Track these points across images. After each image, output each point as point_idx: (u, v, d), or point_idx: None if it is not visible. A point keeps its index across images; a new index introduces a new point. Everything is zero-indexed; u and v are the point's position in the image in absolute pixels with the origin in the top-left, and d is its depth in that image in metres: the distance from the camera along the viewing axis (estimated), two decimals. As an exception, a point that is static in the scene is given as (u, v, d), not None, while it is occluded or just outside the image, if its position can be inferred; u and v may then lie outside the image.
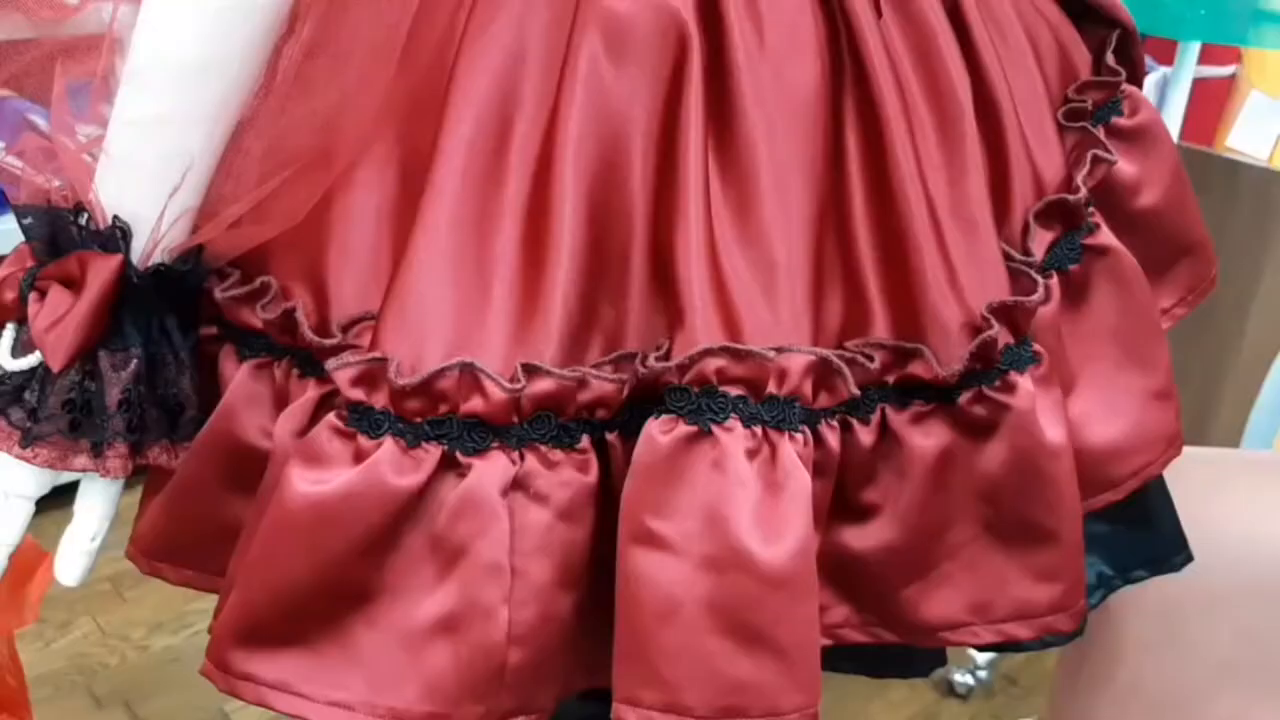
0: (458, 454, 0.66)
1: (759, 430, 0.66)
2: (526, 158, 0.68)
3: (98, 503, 0.74)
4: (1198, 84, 1.85)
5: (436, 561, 0.66)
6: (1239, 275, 1.84)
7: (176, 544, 0.78)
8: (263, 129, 0.70)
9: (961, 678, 1.84)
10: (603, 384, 0.67)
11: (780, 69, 0.71)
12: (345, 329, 0.69)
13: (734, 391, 0.66)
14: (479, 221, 0.68)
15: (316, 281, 0.71)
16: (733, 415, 0.66)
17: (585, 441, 0.68)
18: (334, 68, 0.68)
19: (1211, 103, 1.97)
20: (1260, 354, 1.89)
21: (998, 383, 0.72)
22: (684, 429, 0.66)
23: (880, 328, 0.72)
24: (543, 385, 0.66)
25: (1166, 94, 1.78)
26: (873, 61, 0.72)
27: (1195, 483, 0.96)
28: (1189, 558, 0.92)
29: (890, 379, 0.72)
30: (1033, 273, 0.76)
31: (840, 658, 0.81)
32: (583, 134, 0.68)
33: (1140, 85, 0.92)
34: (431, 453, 0.66)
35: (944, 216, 0.73)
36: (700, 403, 0.66)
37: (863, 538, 0.74)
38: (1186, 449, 0.88)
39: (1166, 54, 1.85)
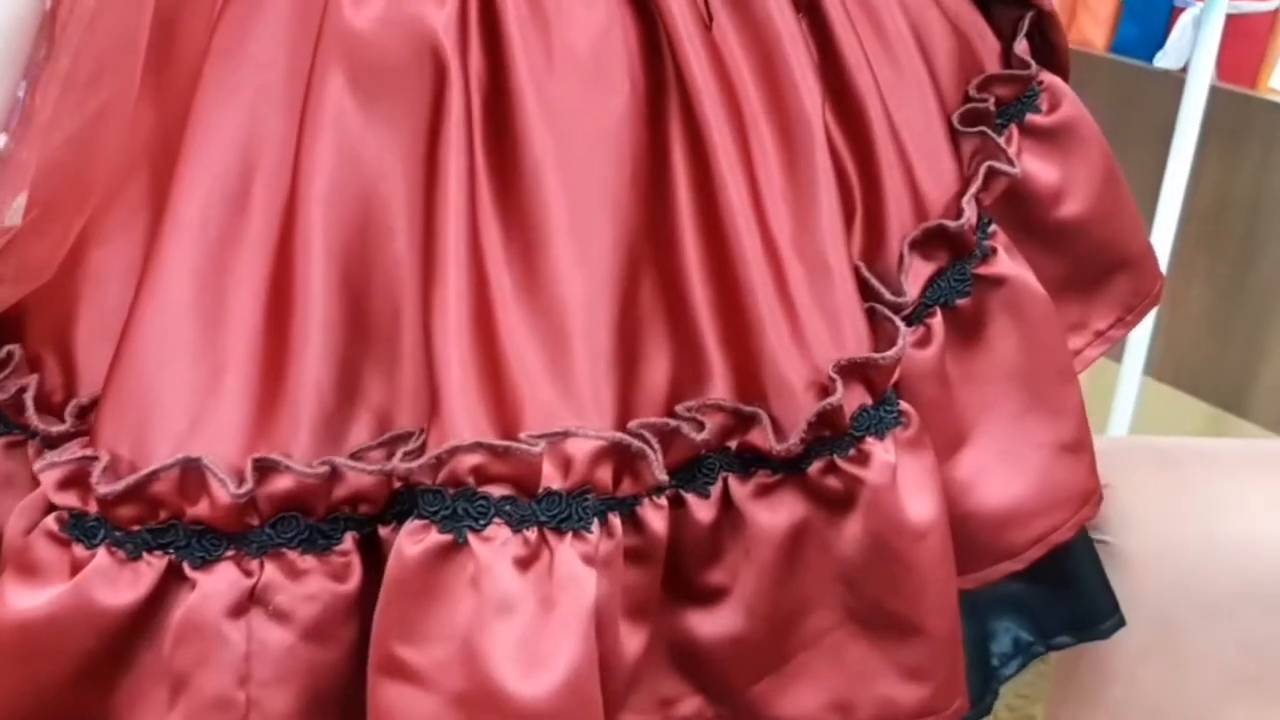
0: (185, 565, 0.56)
1: (534, 534, 0.56)
2: (270, 218, 0.59)
3: None
4: (1235, 20, 1.73)
5: (166, 690, 0.57)
6: (1282, 228, 1.74)
7: None
8: (17, 170, 0.61)
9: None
10: (360, 476, 0.57)
11: (577, 90, 0.61)
12: (87, 409, 0.60)
13: (497, 492, 0.56)
14: (215, 291, 0.58)
15: (64, 350, 0.62)
16: (496, 520, 0.56)
17: (348, 542, 0.58)
18: (84, 97, 0.60)
19: (1252, 41, 1.85)
20: (1307, 311, 1.79)
21: (851, 452, 0.63)
22: (436, 539, 0.56)
23: (720, 386, 0.62)
24: (282, 483, 0.56)
25: (1199, 31, 1.66)
26: (694, 78, 0.62)
27: (1196, 478, 0.89)
28: (1120, 623, 0.84)
29: (733, 445, 0.62)
30: (896, 320, 0.66)
31: None
32: (332, 190, 0.59)
33: (1064, 73, 0.82)
34: (155, 564, 0.56)
35: (787, 256, 0.63)
36: (456, 507, 0.56)
37: (710, 623, 0.64)
38: (1186, 440, 0.78)
39: (1201, -11, 1.73)
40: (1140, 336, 1.75)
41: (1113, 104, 1.94)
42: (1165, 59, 1.91)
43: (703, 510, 0.62)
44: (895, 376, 0.65)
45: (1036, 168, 0.77)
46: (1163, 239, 1.72)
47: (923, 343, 0.68)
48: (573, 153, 0.61)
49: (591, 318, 0.59)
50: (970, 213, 0.70)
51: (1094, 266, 0.82)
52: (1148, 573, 0.90)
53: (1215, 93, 1.71)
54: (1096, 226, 0.80)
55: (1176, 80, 1.72)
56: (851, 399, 0.62)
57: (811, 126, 0.65)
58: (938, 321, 0.69)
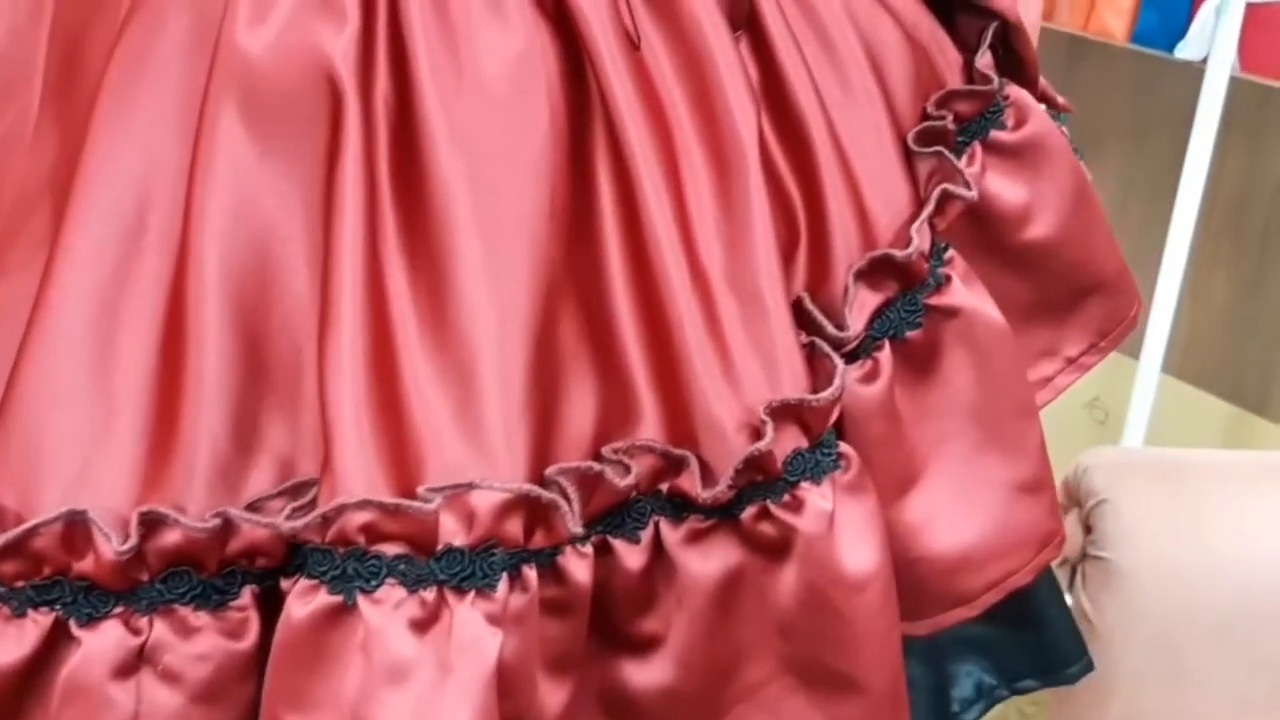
0: (71, 622, 0.54)
1: (432, 594, 0.53)
2: (165, 255, 0.56)
3: None
4: (1257, 10, 1.70)
5: None
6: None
7: None
8: None
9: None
10: (255, 529, 0.54)
11: (491, 117, 0.58)
12: None
13: (391, 550, 0.53)
14: (106, 331, 0.55)
15: None
16: (389, 580, 0.53)
17: (245, 597, 0.55)
18: None
19: (1274, 31, 1.81)
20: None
21: (785, 497, 0.59)
22: (325, 600, 0.53)
23: (651, 426, 0.59)
24: (170, 537, 0.53)
25: (1219, 21, 1.63)
26: (617, 103, 0.59)
27: (1199, 492, 0.86)
28: (1088, 667, 0.81)
29: (664, 487, 0.59)
30: (835, 357, 0.62)
31: None
32: (226, 226, 0.56)
33: (1032, 86, 0.78)
34: (40, 621, 0.53)
35: (719, 290, 0.59)
36: (345, 566, 0.53)
37: (643, 673, 0.61)
38: (1188, 452, 0.75)
39: (1222, -23, 1.69)
40: (1158, 332, 1.71)
41: (1133, 95, 1.90)
42: (1186, 49, 1.87)
43: (632, 557, 0.59)
44: (833, 417, 0.61)
45: (1002, 187, 0.73)
46: (1182, 232, 1.69)
47: (869, 378, 0.65)
48: (486, 183, 0.57)
49: (505, 358, 0.56)
50: (921, 240, 0.66)
51: (1065, 290, 0.78)
52: (1148, 590, 0.87)
53: (1236, 84, 1.67)
54: (1067, 248, 0.76)
55: (1197, 71, 1.69)
56: (785, 441, 0.59)
57: (746, 154, 0.62)
58: (886, 355, 0.65)
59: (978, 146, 0.72)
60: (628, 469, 0.57)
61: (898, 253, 0.65)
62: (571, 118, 0.60)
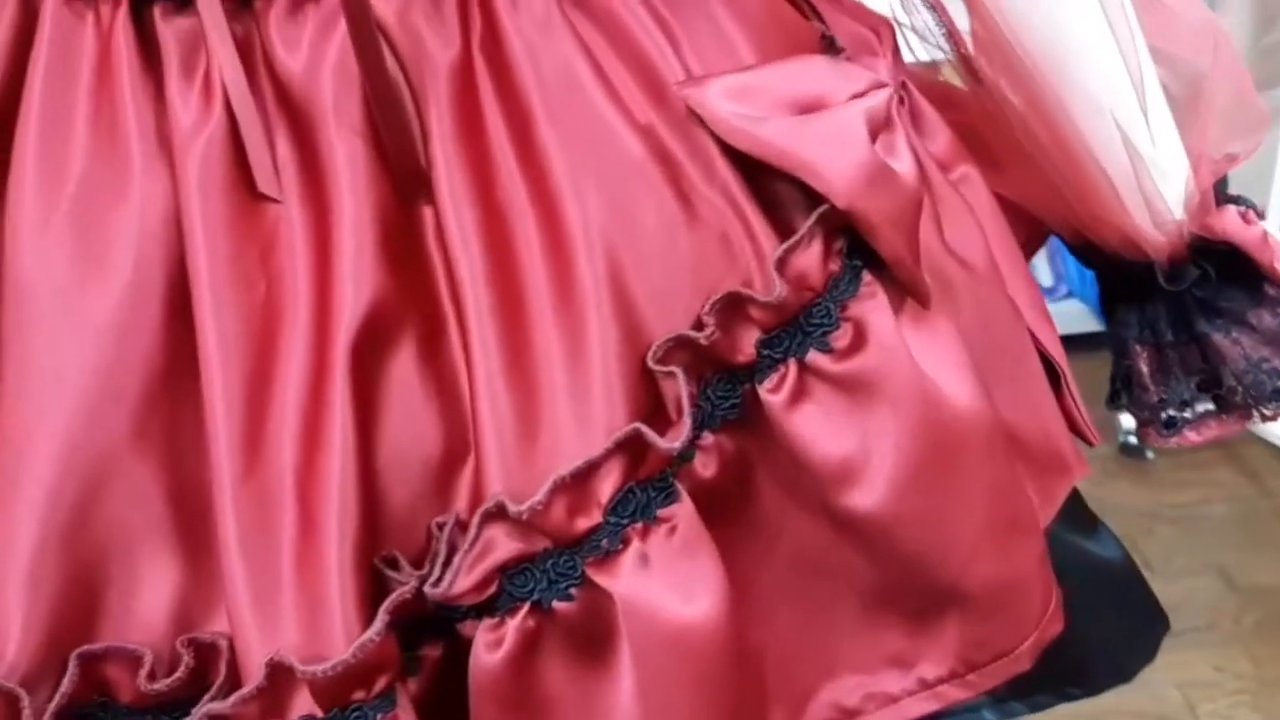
0: None
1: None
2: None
3: None
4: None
5: None
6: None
7: None
8: None
9: None
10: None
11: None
12: None
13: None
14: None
15: None
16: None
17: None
18: None
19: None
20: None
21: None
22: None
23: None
24: None
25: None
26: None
27: None
28: None
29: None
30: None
31: None
32: None
33: (909, 289, 0.58)
34: None
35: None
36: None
37: None
38: None
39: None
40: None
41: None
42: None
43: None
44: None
45: (816, 430, 0.55)
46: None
47: (494, 645, 0.52)
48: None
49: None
50: (537, 500, 0.51)
51: (911, 589, 0.59)
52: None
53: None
54: (906, 531, 0.56)
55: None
56: None
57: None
58: (519, 621, 0.52)
59: (792, 366, 0.55)
60: None
61: (512, 508, 0.51)
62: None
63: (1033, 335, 0.69)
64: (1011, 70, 0.70)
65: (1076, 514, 0.75)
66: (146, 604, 0.54)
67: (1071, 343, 0.77)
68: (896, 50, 0.70)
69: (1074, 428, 0.71)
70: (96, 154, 0.55)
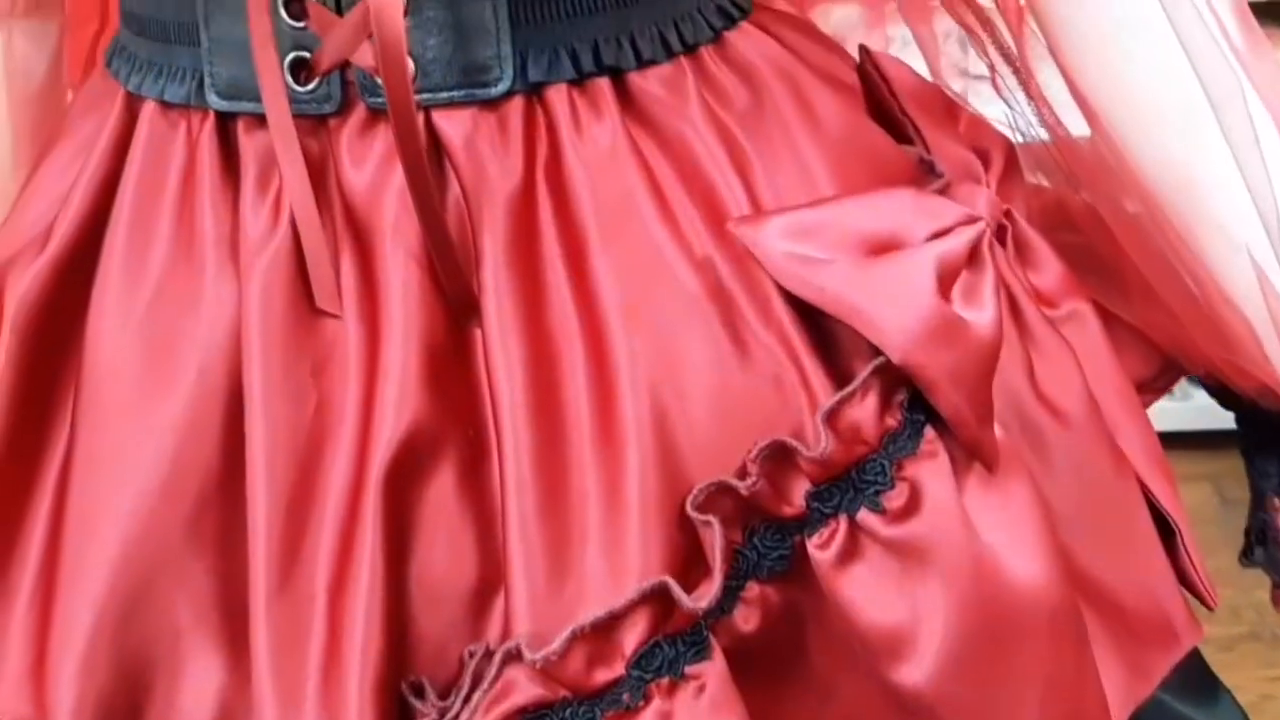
0: None
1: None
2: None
3: None
4: None
5: None
6: None
7: None
8: None
9: None
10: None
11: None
12: None
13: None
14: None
15: None
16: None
17: None
18: None
19: None
20: None
21: None
22: None
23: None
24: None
25: None
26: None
27: None
28: None
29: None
30: None
31: None
32: None
33: (972, 447, 0.53)
34: None
35: None
36: None
37: None
38: None
39: None
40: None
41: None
42: None
43: None
44: None
45: (867, 597, 0.51)
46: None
47: None
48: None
49: None
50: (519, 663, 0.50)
51: None
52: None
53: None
54: (952, 713, 0.52)
55: None
56: None
57: None
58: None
59: (843, 523, 0.52)
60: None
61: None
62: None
63: (1144, 488, 0.64)
64: (1125, 190, 0.66)
65: (1193, 678, 0.67)
66: (190, 700, 0.55)
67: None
68: (1010, 171, 0.66)
69: (1189, 587, 0.65)
70: (175, 260, 0.57)
